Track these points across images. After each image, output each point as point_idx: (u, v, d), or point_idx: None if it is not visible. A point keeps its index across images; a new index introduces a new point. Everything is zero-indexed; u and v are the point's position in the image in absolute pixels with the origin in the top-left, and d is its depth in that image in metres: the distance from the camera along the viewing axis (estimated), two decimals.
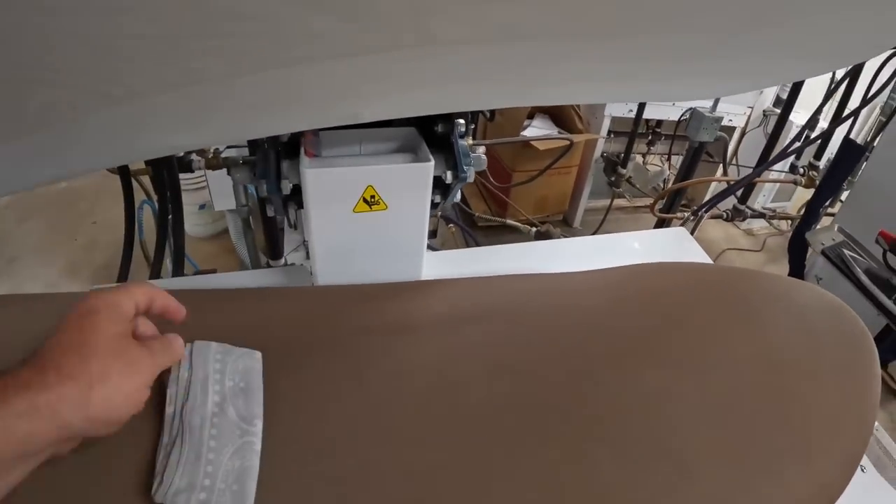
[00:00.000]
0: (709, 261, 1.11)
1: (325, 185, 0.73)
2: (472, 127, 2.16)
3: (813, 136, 2.42)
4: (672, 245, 1.17)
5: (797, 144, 2.36)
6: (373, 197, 0.75)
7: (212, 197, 2.16)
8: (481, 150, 0.92)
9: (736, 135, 3.28)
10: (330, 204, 0.75)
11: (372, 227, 0.78)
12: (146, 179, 1.73)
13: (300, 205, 0.78)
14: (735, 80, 0.79)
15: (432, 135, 0.81)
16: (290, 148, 0.77)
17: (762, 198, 3.41)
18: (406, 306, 0.72)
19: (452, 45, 0.48)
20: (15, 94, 0.46)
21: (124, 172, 1.28)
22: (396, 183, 0.75)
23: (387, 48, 0.47)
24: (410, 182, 0.76)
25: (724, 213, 2.50)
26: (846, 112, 2.18)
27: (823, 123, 2.68)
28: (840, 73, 2.32)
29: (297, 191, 0.76)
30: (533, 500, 0.53)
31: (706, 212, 1.53)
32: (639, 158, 3.39)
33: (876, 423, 0.89)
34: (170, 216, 1.32)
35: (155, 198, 1.64)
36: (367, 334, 0.66)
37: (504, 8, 0.44)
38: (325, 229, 0.77)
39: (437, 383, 0.62)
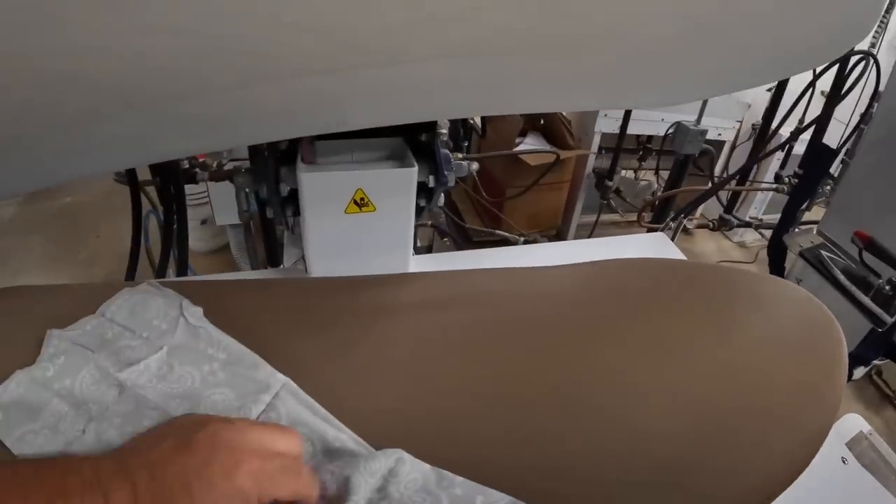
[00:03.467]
0: None
1: (319, 187, 0.81)
2: (466, 143, 2.24)
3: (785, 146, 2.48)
4: (652, 250, 1.22)
5: (766, 152, 2.41)
6: (362, 199, 0.82)
7: (213, 212, 2.24)
8: (474, 165, 1.00)
9: (726, 148, 3.33)
10: (323, 205, 0.83)
11: (362, 227, 0.85)
12: (152, 191, 1.81)
13: (296, 209, 0.86)
14: (681, 90, 0.85)
15: (418, 144, 0.88)
16: (287, 155, 0.84)
17: (754, 209, 3.45)
18: (388, 293, 0.79)
19: (420, 61, 0.56)
20: (47, 99, 0.54)
21: (133, 183, 1.34)
22: (383, 186, 0.83)
23: (364, 65, 0.55)
24: (396, 185, 0.84)
25: (711, 223, 2.56)
26: (806, 122, 2.24)
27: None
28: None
29: (294, 195, 0.83)
30: (491, 458, 0.58)
31: (685, 217, 1.59)
32: (630, 174, 3.46)
33: (871, 429, 0.94)
34: (174, 226, 1.39)
35: (160, 209, 1.71)
36: (352, 315, 0.72)
37: (462, 27, 0.52)
38: (320, 229, 0.85)
39: (409, 358, 0.68)
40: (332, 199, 0.82)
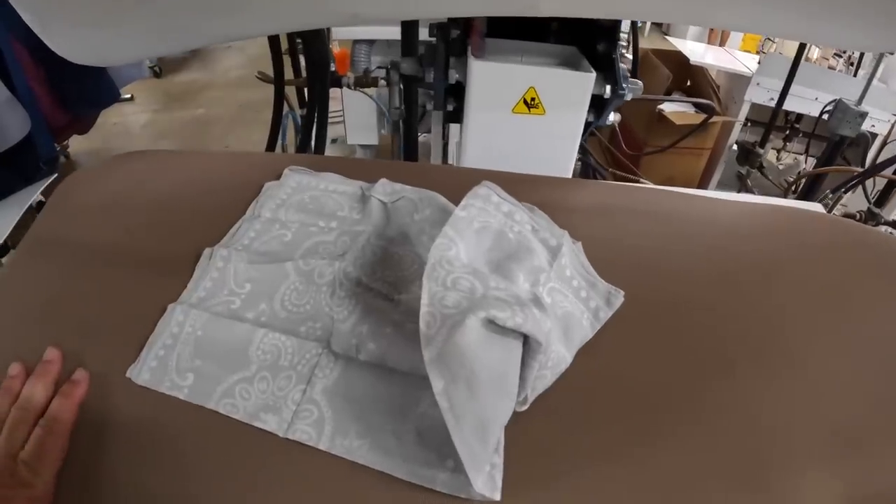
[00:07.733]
0: None
1: (490, 80, 0.75)
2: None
3: None
4: None
5: None
6: (533, 99, 0.77)
7: (346, 131, 2.23)
8: (616, 116, 0.94)
9: (877, 142, 3.11)
10: (490, 101, 0.77)
11: (527, 130, 0.80)
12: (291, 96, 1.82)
13: (458, 107, 0.81)
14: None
15: (593, 55, 0.82)
16: (456, 46, 0.80)
17: None
18: (554, 192, 0.71)
19: None
20: None
21: (279, 80, 1.33)
22: (557, 89, 0.77)
23: None
24: (571, 90, 0.77)
25: (858, 214, 2.41)
26: None
27: None
28: None
29: (457, 89, 0.79)
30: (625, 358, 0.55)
31: (846, 192, 1.47)
32: (773, 154, 3.28)
33: None
34: (314, 127, 1.36)
35: (299, 112, 1.71)
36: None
37: None
38: (482, 128, 0.80)
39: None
40: (502, 94, 0.76)
